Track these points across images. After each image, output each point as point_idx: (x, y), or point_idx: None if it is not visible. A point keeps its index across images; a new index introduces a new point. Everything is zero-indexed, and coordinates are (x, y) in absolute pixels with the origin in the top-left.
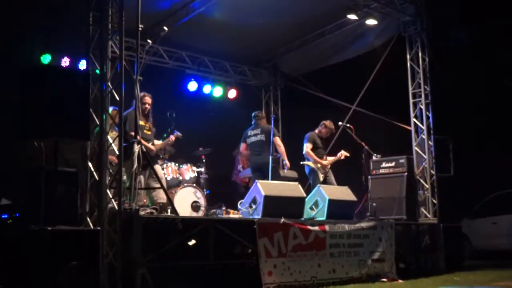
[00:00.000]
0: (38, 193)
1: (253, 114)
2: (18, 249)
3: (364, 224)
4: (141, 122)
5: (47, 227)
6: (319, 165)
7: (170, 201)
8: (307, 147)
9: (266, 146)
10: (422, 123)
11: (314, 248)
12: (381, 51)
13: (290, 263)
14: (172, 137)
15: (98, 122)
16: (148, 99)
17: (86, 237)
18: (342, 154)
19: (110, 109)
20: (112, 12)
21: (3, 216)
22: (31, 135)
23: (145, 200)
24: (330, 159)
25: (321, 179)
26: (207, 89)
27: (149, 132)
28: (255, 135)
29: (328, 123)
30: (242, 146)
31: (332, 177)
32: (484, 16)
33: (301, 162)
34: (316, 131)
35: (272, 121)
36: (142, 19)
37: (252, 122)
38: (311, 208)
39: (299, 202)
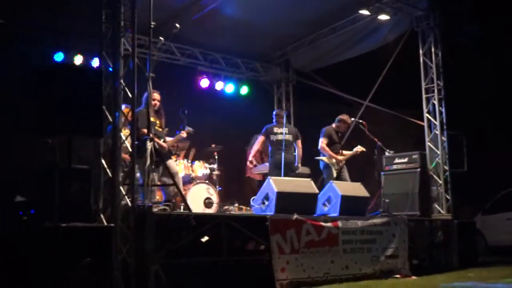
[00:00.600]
0: (52, 191)
1: (275, 112)
2: (33, 245)
3: (377, 220)
4: (152, 119)
5: (61, 224)
6: (334, 161)
7: (183, 198)
8: (322, 142)
9: (292, 146)
10: (435, 119)
11: (327, 244)
12: (393, 46)
13: (303, 260)
14: (184, 133)
15: (111, 119)
16: (156, 96)
17: (100, 234)
18: (359, 149)
19: (123, 106)
20: (124, 9)
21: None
22: (45, 133)
23: (158, 197)
24: (347, 153)
25: (335, 174)
26: (219, 85)
27: (160, 129)
28: (282, 133)
29: (346, 117)
30: (261, 138)
31: (346, 173)
32: (496, 11)
33: (316, 157)
34: (334, 125)
35: (284, 118)
36: (154, 16)
37: (274, 120)
38: (324, 204)
39: (311, 198)
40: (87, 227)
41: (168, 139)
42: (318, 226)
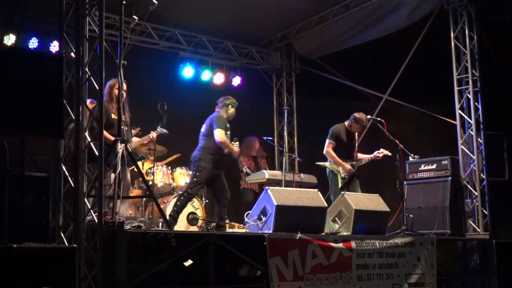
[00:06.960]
0: (1, 203)
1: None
2: None
3: (399, 240)
4: (113, 116)
5: (13, 244)
6: (340, 168)
7: (161, 213)
8: (327, 146)
9: None
10: (469, 116)
11: (337, 269)
12: (419, 28)
13: None
14: (153, 134)
15: (73, 117)
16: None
17: (60, 257)
18: (380, 153)
19: (87, 101)
20: None
21: None
22: None
23: (130, 212)
24: (362, 156)
25: (340, 184)
26: (205, 75)
27: (123, 127)
28: None
29: (360, 116)
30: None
31: (356, 185)
32: None
33: (316, 163)
34: (346, 123)
35: (285, 114)
36: None
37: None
38: (334, 221)
39: (319, 213)
40: (44, 248)
41: (134, 139)
42: (327, 247)
